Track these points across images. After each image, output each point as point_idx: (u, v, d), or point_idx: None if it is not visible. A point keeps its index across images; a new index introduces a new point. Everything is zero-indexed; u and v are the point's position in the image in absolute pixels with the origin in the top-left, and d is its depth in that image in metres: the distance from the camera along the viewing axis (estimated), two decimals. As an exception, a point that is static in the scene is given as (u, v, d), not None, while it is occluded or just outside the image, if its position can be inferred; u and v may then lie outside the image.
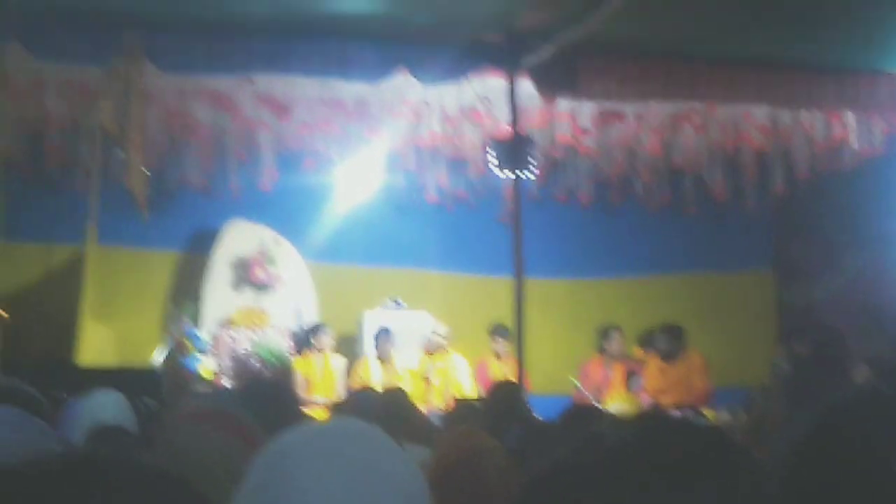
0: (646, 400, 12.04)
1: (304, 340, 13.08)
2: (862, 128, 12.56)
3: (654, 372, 12.25)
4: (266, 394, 5.18)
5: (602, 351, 13.08)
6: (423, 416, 8.98)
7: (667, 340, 12.13)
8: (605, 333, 13.10)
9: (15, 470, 1.19)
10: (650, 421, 1.37)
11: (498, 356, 13.12)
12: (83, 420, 5.23)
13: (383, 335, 12.80)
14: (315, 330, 12.93)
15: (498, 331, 13.05)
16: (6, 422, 2.67)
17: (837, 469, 1.54)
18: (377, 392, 8.72)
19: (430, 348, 12.79)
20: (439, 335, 12.82)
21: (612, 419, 6.91)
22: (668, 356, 12.12)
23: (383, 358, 12.75)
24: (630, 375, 12.77)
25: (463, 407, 9.26)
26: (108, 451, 1.26)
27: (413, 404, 7.69)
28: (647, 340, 12.93)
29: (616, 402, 11.72)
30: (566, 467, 1.30)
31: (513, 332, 12.44)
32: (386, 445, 1.79)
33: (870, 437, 1.60)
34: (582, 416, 5.14)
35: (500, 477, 4.11)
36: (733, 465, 1.26)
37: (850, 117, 12.45)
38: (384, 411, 6.24)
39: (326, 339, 12.85)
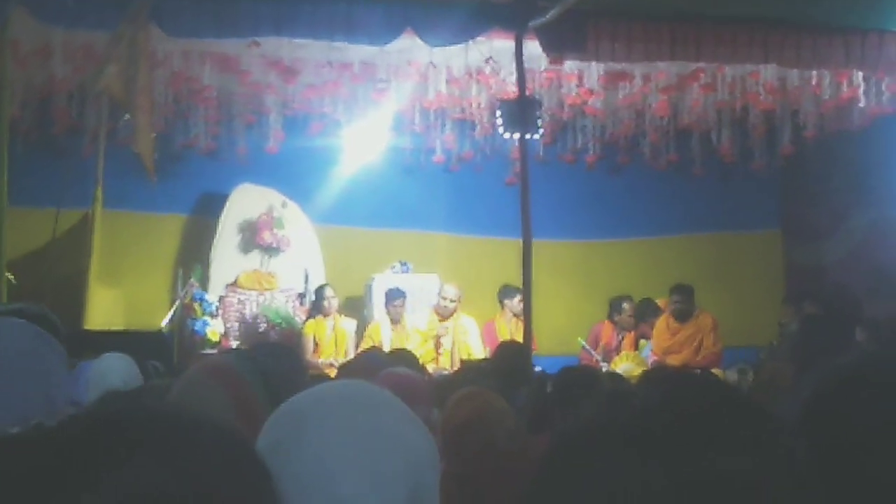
0: (651, 359, 12.07)
1: (313, 303, 13.11)
2: (870, 87, 12.49)
3: (663, 331, 12.27)
4: (273, 354, 5.21)
5: (613, 321, 13.12)
6: (430, 376, 9.02)
7: (679, 299, 12.17)
8: (616, 305, 13.14)
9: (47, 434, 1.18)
10: (675, 380, 1.37)
11: (507, 317, 13.16)
12: (93, 383, 5.26)
13: (399, 297, 12.81)
14: (318, 291, 12.95)
15: (506, 292, 13.09)
16: (13, 336, 2.68)
17: (846, 432, 1.54)
18: (383, 352, 8.74)
19: (442, 312, 12.79)
20: (450, 299, 12.82)
21: (616, 378, 6.93)
22: (681, 315, 12.15)
23: (394, 319, 12.77)
24: (640, 339, 12.81)
25: (469, 368, 9.31)
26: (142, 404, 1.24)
27: (419, 365, 7.71)
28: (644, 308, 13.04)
29: (623, 364, 11.74)
30: (593, 426, 1.29)
31: (521, 293, 12.48)
32: (398, 408, 1.81)
33: (878, 399, 1.60)
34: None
35: (508, 437, 4.13)
36: (760, 427, 1.26)
37: (858, 76, 12.39)
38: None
39: (329, 302, 12.86)
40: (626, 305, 13.06)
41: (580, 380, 4.88)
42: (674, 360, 11.85)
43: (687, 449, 1.19)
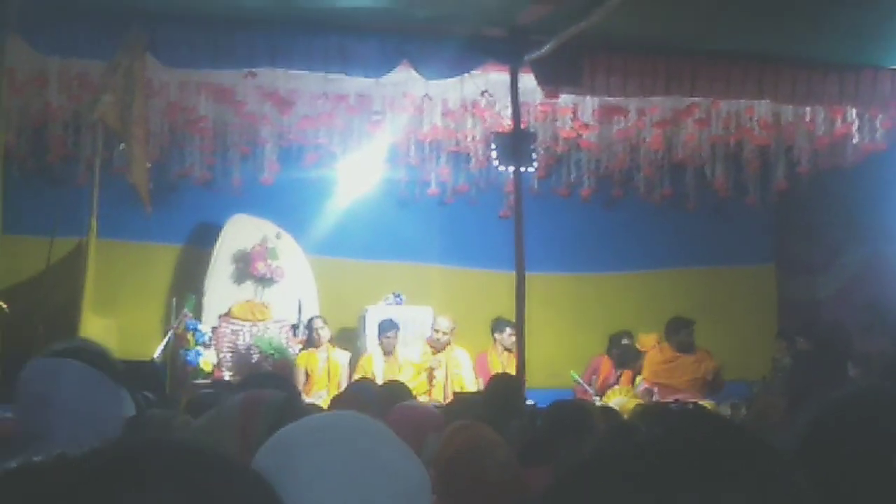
0: (641, 387, 12.08)
1: (305, 334, 13.10)
2: (864, 123, 12.54)
3: (656, 359, 12.29)
4: (268, 384, 5.19)
5: (611, 356, 13.11)
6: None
7: (690, 332, 12.21)
8: (616, 340, 13.15)
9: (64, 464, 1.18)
10: (679, 415, 1.36)
11: (498, 350, 13.14)
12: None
13: (392, 329, 12.80)
14: (309, 323, 12.94)
15: (499, 324, 13.07)
16: (71, 378, 2.66)
17: (840, 466, 1.54)
18: (374, 383, 8.73)
19: (435, 345, 12.78)
20: (443, 332, 12.81)
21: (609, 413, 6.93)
22: (684, 348, 12.17)
23: (387, 351, 12.76)
24: (637, 376, 12.80)
25: (461, 400, 9.29)
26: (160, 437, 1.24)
27: (411, 396, 7.70)
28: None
29: (616, 397, 11.73)
30: (594, 461, 1.29)
31: (514, 326, 12.48)
32: (388, 438, 1.81)
33: (871, 433, 1.60)
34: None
35: (500, 470, 4.12)
36: (766, 462, 1.25)
37: (852, 113, 12.44)
38: (383, 403, 6.24)
39: (318, 332, 12.85)
40: (626, 342, 13.07)
41: (573, 413, 4.87)
42: (670, 387, 11.86)
43: (688, 484, 1.18)
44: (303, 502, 1.63)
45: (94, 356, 3.46)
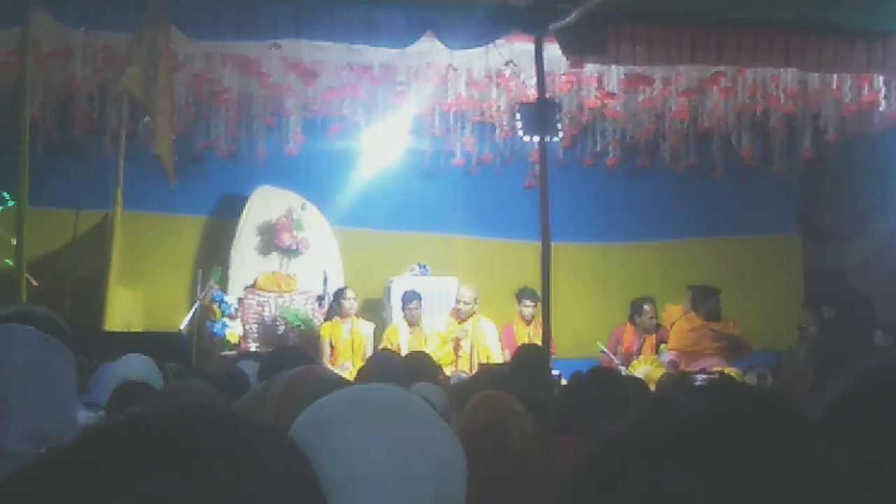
0: (668, 356, 12.07)
1: (332, 305, 13.10)
2: (891, 91, 12.47)
3: (684, 327, 12.28)
4: (286, 360, 5.20)
5: (634, 323, 13.06)
6: (446, 379, 9.01)
7: (714, 301, 12.20)
8: (637, 307, 13.07)
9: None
10: (720, 388, 1.35)
11: (524, 319, 13.14)
12: (114, 384, 5.27)
13: (414, 299, 12.79)
14: (338, 294, 12.93)
15: (524, 294, 13.06)
16: (22, 342, 2.67)
17: (870, 438, 1.53)
18: (397, 354, 8.73)
19: (459, 315, 12.78)
20: (464, 301, 12.80)
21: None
22: (712, 316, 12.16)
23: (412, 322, 12.76)
24: (661, 344, 12.77)
25: (487, 371, 9.29)
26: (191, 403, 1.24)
27: (435, 366, 7.70)
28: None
29: (642, 367, 11.71)
30: (634, 434, 1.28)
31: (533, 298, 12.47)
32: (425, 413, 1.80)
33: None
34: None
35: (526, 441, 4.12)
36: (808, 437, 1.25)
37: (879, 80, 12.36)
38: (407, 374, 6.25)
39: (349, 303, 12.84)
40: (647, 307, 12.98)
41: (609, 383, 4.86)
42: (694, 354, 11.87)
43: (730, 459, 1.18)
44: (337, 476, 1.63)
45: (43, 321, 3.48)
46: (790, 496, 1.17)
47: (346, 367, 11.88)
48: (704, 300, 12.28)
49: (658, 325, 12.94)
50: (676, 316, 12.84)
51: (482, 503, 4.02)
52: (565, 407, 4.52)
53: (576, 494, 1.28)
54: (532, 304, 12.92)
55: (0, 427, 2.45)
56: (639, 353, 12.74)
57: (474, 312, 12.80)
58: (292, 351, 6.88)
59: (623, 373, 11.02)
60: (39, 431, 2.41)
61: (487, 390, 4.70)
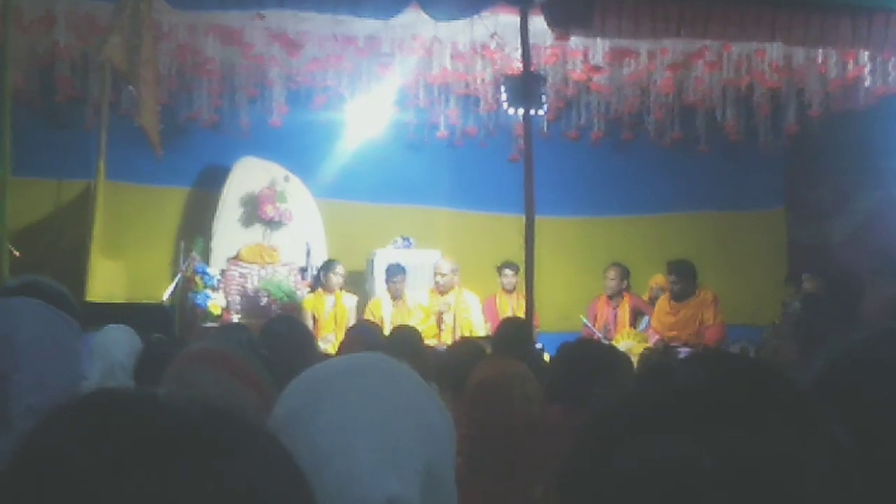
0: (654, 338, 12.02)
1: (316, 277, 13.09)
2: (876, 66, 12.49)
3: (664, 310, 12.21)
4: (282, 331, 5.19)
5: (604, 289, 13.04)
6: (433, 353, 9.00)
7: (675, 280, 12.03)
8: (604, 271, 13.02)
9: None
10: (715, 357, 1.34)
11: (505, 290, 13.14)
12: (96, 354, 5.25)
13: (399, 273, 12.78)
14: (326, 266, 12.90)
15: (507, 264, 13.06)
16: (31, 316, 2.66)
17: (856, 410, 1.52)
18: (375, 325, 8.71)
19: (439, 288, 12.78)
20: (441, 273, 12.79)
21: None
22: (679, 296, 12.04)
23: (395, 295, 12.75)
24: (637, 314, 12.76)
25: (465, 343, 9.28)
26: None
27: (420, 338, 7.69)
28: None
29: (625, 341, 11.71)
30: (633, 401, 1.27)
31: (522, 269, 12.47)
32: (415, 382, 1.80)
33: (890, 377, 1.58)
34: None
35: (527, 403, 4.13)
36: (805, 406, 1.24)
37: (864, 56, 12.37)
38: (393, 348, 6.24)
39: (337, 278, 12.80)
40: (608, 272, 12.87)
41: (599, 353, 4.86)
42: (676, 340, 11.81)
43: (725, 424, 1.17)
44: (326, 445, 1.62)
45: (51, 293, 3.45)
46: (792, 459, 1.17)
47: (329, 340, 11.88)
48: (668, 279, 12.18)
49: (623, 291, 12.86)
50: (664, 285, 12.76)
51: (478, 457, 4.05)
52: (553, 377, 4.51)
53: (574, 462, 1.27)
54: (511, 272, 12.94)
55: (8, 401, 2.44)
56: (614, 322, 12.72)
57: (454, 285, 12.79)
58: (285, 321, 6.86)
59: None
60: (47, 406, 2.39)
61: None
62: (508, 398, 4.11)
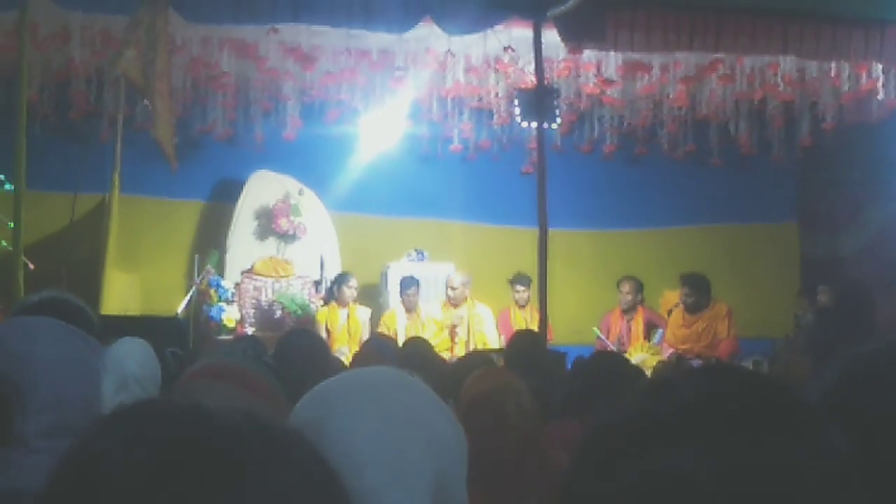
0: (668, 351, 12.00)
1: (329, 290, 13.10)
2: (889, 79, 12.47)
3: (678, 322, 12.19)
4: (298, 344, 5.20)
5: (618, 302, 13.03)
6: (446, 366, 9.00)
7: (689, 293, 12.00)
8: (617, 285, 13.02)
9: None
10: (716, 369, 1.34)
11: (519, 305, 13.14)
12: (110, 368, 5.26)
13: (412, 285, 12.78)
14: (339, 280, 12.92)
15: (516, 279, 13.06)
16: (50, 335, 2.67)
17: (867, 422, 1.53)
18: (391, 338, 8.72)
19: (451, 301, 12.78)
20: (451, 286, 12.79)
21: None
22: (692, 309, 12.00)
23: (409, 308, 12.76)
24: (651, 327, 12.74)
25: (476, 356, 9.27)
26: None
27: (433, 351, 7.69)
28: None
29: (638, 354, 11.69)
30: (633, 415, 1.28)
31: (535, 282, 12.46)
32: (426, 396, 1.81)
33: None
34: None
35: (522, 417, 4.12)
36: (805, 419, 1.25)
37: (877, 69, 12.35)
38: (407, 361, 6.25)
39: (350, 291, 12.81)
40: (623, 285, 12.85)
41: (612, 367, 4.86)
42: (689, 352, 11.78)
43: (725, 437, 1.18)
44: (338, 458, 1.63)
45: (71, 310, 3.46)
46: (793, 474, 1.17)
47: (343, 353, 11.87)
48: (682, 291, 12.13)
49: (637, 304, 12.85)
50: (674, 302, 12.77)
51: (472, 471, 4.06)
52: (569, 392, 4.52)
53: (575, 477, 1.28)
54: (523, 288, 12.94)
55: (25, 420, 2.45)
56: (628, 335, 12.71)
57: (466, 297, 12.79)
58: (301, 334, 6.87)
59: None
60: (65, 424, 2.40)
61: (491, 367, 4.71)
62: (502, 411, 4.10)
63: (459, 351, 12.29)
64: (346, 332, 12.71)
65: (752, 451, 1.17)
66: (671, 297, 12.92)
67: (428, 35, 11.56)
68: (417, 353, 6.95)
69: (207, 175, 14.15)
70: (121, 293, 12.61)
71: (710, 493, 1.15)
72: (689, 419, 1.21)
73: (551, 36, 10.97)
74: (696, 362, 10.84)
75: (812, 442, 1.21)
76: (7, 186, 9.99)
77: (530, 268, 11.60)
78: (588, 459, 1.27)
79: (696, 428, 1.19)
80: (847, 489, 1.22)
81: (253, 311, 13.25)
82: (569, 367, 8.50)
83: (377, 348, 7.06)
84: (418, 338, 8.99)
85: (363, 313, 12.94)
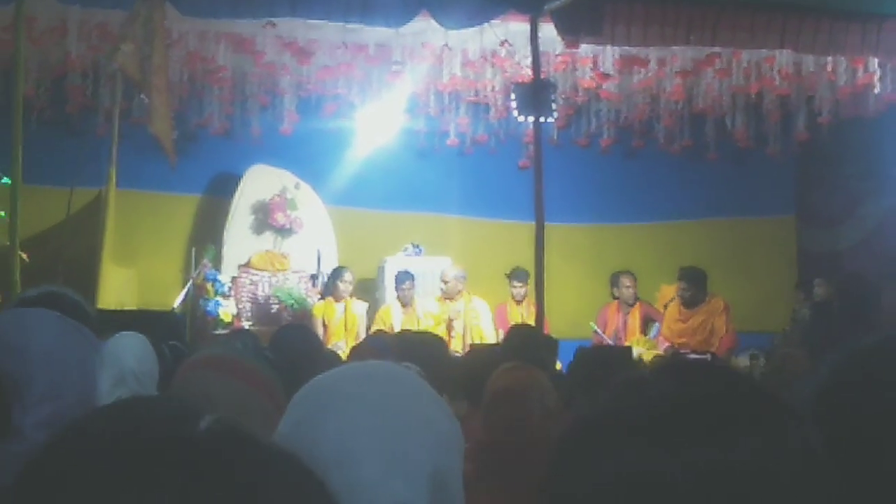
0: (664, 345, 12.01)
1: (326, 285, 13.10)
2: (886, 73, 12.48)
3: (674, 317, 12.20)
4: (292, 338, 5.20)
5: (615, 297, 13.04)
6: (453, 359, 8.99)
7: (685, 287, 12.01)
8: (615, 280, 13.04)
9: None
10: (688, 368, 1.34)
11: (516, 300, 13.13)
12: (107, 362, 5.26)
13: (407, 279, 12.78)
14: (335, 274, 12.92)
15: (513, 274, 13.05)
16: (47, 327, 2.67)
17: (864, 415, 1.53)
18: (390, 335, 8.71)
19: (446, 294, 12.76)
20: (444, 280, 12.76)
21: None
22: (689, 303, 12.02)
23: (405, 302, 12.75)
24: (647, 321, 12.75)
25: (481, 351, 9.28)
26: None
27: (449, 353, 7.68)
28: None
29: (634, 349, 11.69)
30: (603, 413, 1.28)
31: (532, 277, 12.46)
32: (422, 390, 1.81)
33: (893, 386, 1.58)
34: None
35: (545, 415, 4.13)
36: (778, 417, 1.25)
37: (874, 63, 12.35)
38: (424, 358, 6.23)
39: (345, 286, 12.80)
40: (623, 279, 12.90)
41: (599, 361, 4.87)
42: (685, 347, 11.78)
43: (698, 436, 1.18)
44: (333, 452, 1.63)
45: (69, 304, 3.46)
46: (764, 472, 1.18)
47: (340, 347, 11.86)
48: (679, 285, 12.13)
49: (637, 297, 12.87)
50: (669, 297, 12.79)
51: (490, 464, 4.04)
52: (570, 385, 4.52)
53: (552, 476, 1.28)
54: (521, 284, 12.93)
55: (22, 413, 2.45)
56: (624, 330, 12.72)
57: (460, 291, 12.77)
58: (294, 328, 6.88)
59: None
60: (61, 418, 2.40)
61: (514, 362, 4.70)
62: (526, 408, 4.10)
63: (456, 345, 12.27)
64: (342, 326, 12.71)
65: (725, 451, 1.17)
66: (668, 292, 12.94)
67: (425, 29, 11.55)
68: (421, 346, 6.93)
69: (204, 169, 14.14)
70: (117, 287, 12.59)
71: (683, 493, 1.15)
72: (660, 418, 1.21)
73: (548, 30, 10.97)
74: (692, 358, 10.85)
75: (785, 440, 1.21)
76: (3, 181, 9.98)
77: (527, 262, 11.60)
78: (564, 459, 1.28)
79: (668, 427, 1.20)
80: (820, 487, 1.22)
81: (249, 305, 13.24)
82: (563, 359, 8.52)
83: (373, 343, 7.05)
84: (433, 335, 8.97)
85: (360, 307, 12.94)
